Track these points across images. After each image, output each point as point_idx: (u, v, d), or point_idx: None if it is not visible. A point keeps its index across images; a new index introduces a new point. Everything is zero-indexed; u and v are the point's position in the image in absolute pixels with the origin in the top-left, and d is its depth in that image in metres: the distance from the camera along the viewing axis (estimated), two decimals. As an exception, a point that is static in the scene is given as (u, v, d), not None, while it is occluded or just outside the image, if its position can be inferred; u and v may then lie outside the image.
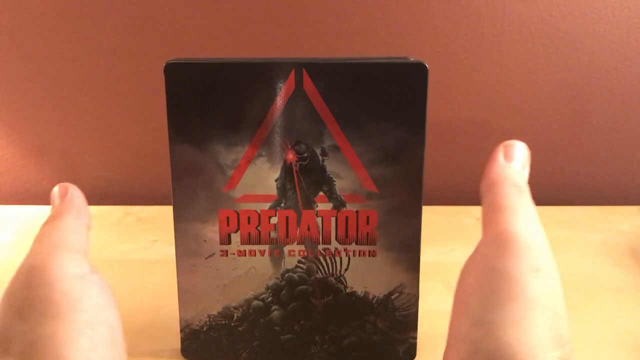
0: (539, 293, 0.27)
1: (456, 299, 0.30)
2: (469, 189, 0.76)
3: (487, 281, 0.27)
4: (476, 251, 0.30)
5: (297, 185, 0.40)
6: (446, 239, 0.63)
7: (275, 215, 0.40)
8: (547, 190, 0.76)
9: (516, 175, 0.32)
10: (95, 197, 0.76)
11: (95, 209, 0.72)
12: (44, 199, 0.75)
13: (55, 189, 0.35)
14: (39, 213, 0.69)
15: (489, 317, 0.26)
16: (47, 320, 0.27)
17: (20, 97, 0.73)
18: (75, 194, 0.34)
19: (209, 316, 0.42)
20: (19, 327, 0.27)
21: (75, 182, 0.34)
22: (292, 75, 0.38)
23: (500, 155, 0.33)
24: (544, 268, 0.28)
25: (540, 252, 0.28)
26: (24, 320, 0.27)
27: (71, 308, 0.28)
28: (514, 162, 0.33)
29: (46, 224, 0.32)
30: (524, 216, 0.30)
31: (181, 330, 0.42)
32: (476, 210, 0.71)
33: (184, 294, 0.42)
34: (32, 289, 0.28)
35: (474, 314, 0.27)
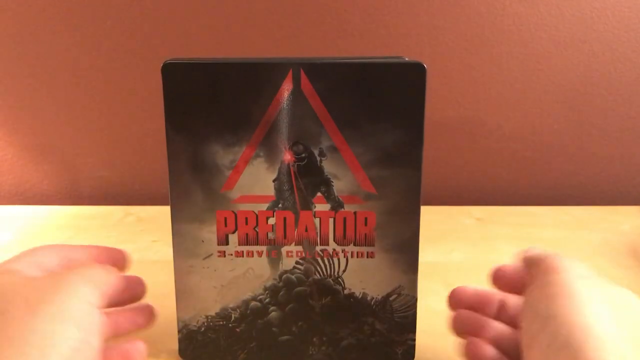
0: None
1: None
2: (469, 189, 0.76)
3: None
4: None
5: (295, 186, 0.40)
6: (446, 239, 0.63)
7: (273, 216, 0.40)
8: (547, 190, 0.75)
9: None
10: (95, 197, 0.76)
11: (95, 209, 0.72)
12: (44, 199, 0.76)
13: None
14: (39, 213, 0.69)
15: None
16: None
17: (20, 97, 0.73)
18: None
19: (206, 317, 0.42)
20: None
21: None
22: (290, 75, 0.38)
23: None
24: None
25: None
26: None
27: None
28: None
29: None
30: None
31: (179, 331, 0.42)
32: (476, 210, 0.71)
33: (182, 295, 0.42)
34: None
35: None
